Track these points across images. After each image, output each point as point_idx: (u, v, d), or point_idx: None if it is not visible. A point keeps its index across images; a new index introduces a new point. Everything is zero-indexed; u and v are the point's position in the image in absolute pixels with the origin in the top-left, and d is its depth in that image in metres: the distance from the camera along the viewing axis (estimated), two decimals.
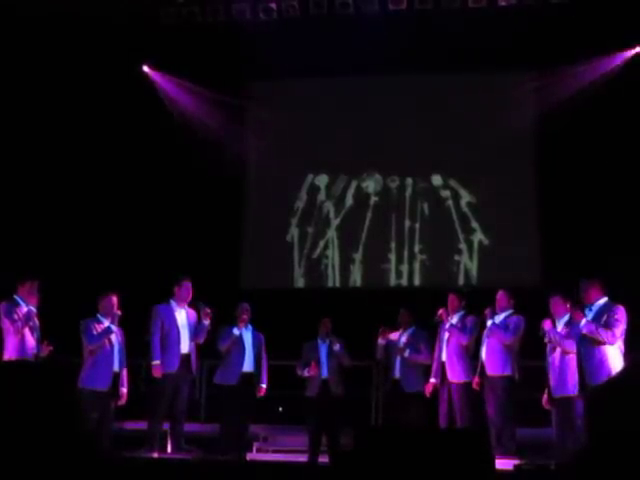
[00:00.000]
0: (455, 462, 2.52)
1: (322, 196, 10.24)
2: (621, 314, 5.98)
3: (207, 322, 7.12)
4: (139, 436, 7.01)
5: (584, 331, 5.94)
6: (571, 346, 6.24)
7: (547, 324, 6.44)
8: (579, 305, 6.15)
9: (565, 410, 6.26)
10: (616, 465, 1.69)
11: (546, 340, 6.45)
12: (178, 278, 7.22)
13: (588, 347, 5.96)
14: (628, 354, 5.95)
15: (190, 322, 7.12)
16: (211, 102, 10.08)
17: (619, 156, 9.06)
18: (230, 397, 7.18)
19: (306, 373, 7.32)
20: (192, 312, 7.20)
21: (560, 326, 6.46)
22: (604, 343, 5.89)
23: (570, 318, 6.38)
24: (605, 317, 5.96)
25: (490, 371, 6.95)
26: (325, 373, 7.35)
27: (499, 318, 7.04)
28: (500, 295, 7.14)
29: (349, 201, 10.18)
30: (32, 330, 6.78)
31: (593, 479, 1.70)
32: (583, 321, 5.97)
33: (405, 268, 9.92)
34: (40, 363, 6.13)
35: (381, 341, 7.42)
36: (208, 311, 7.11)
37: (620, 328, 5.94)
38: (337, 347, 7.33)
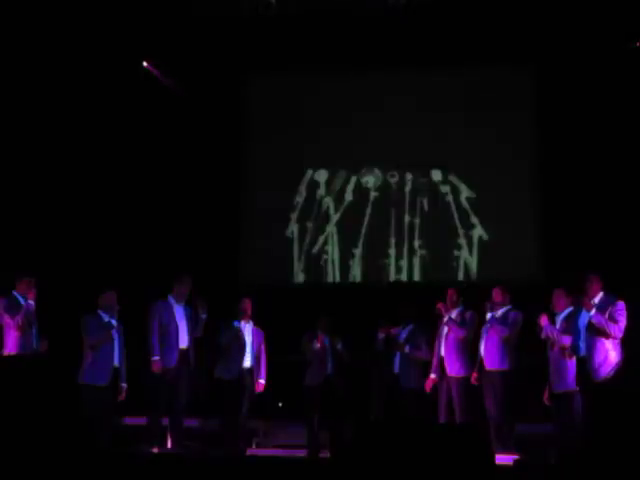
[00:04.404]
0: (454, 457, 2.52)
1: (322, 191, 10.22)
2: (623, 309, 6.00)
3: (204, 315, 7.14)
4: (139, 431, 7.02)
5: (593, 320, 5.91)
6: (568, 342, 6.22)
7: (544, 320, 6.42)
8: (586, 296, 6.11)
9: (565, 405, 6.25)
10: (615, 460, 1.69)
11: (542, 337, 6.44)
12: (177, 274, 7.23)
13: (592, 342, 5.94)
14: (625, 348, 5.96)
15: (188, 317, 7.14)
16: (210, 96, 10.06)
17: (620, 151, 9.05)
18: (230, 392, 7.20)
19: (315, 346, 7.35)
20: (190, 307, 7.21)
21: (558, 322, 6.44)
22: (609, 336, 5.89)
23: (570, 312, 6.37)
24: (609, 311, 5.96)
25: (488, 366, 6.95)
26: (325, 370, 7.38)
27: (498, 314, 7.05)
28: (495, 291, 7.15)
29: (349, 196, 10.16)
30: (31, 326, 6.80)
31: (592, 474, 1.70)
32: (592, 311, 5.95)
33: (405, 263, 9.92)
34: (40, 359, 6.15)
35: (380, 335, 7.43)
36: (204, 303, 7.12)
37: (624, 322, 5.95)
38: (339, 347, 7.38)
